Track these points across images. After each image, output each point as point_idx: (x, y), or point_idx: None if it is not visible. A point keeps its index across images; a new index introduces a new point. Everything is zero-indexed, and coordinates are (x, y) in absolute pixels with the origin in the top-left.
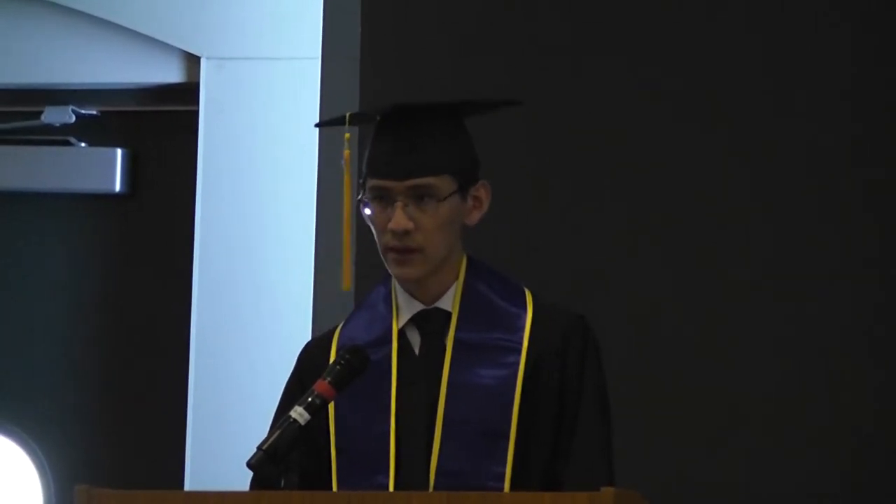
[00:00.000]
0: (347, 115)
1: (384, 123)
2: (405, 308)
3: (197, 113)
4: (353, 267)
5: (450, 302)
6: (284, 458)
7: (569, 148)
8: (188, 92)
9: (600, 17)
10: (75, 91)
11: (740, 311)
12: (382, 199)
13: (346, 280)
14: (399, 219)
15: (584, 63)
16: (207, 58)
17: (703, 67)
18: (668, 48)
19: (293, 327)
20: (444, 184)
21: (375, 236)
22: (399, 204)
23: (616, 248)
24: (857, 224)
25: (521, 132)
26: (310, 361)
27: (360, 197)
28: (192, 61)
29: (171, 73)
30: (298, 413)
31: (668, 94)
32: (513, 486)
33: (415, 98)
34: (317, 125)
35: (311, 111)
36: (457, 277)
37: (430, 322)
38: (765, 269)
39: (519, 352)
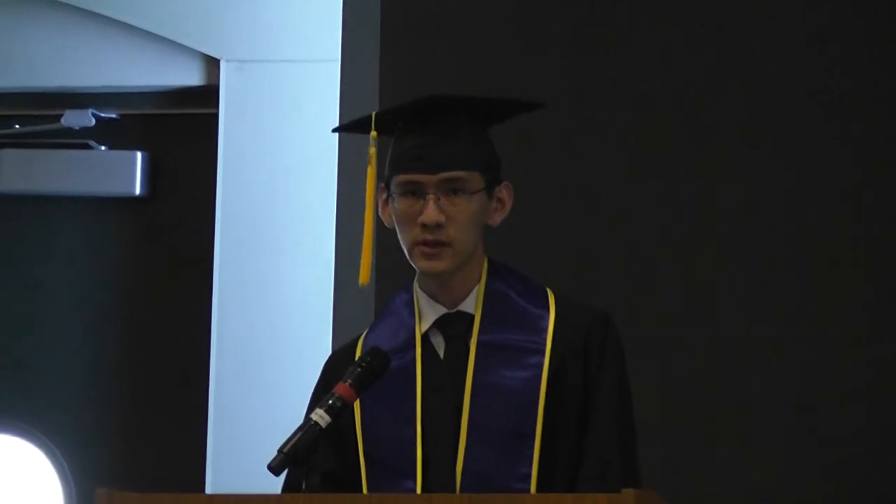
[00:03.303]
0: (373, 114)
1: (413, 118)
2: (428, 312)
3: (216, 115)
4: (372, 261)
5: (472, 305)
6: (305, 461)
7: (580, 146)
8: (208, 95)
9: (613, 15)
10: (95, 94)
11: (761, 312)
12: (413, 193)
13: (365, 273)
14: (431, 212)
15: (598, 62)
16: (227, 60)
17: (712, 68)
18: (677, 49)
19: (313, 330)
20: (474, 179)
21: (400, 233)
22: (431, 197)
23: (630, 250)
24: (867, 225)
25: (535, 132)
26: (335, 368)
27: (385, 196)
28: (212, 64)
29: (190, 76)
30: (319, 415)
31: (674, 94)
32: (539, 487)
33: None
34: (335, 130)
35: (331, 113)
36: (479, 280)
37: (453, 325)
38: (779, 269)
39: (542, 353)
